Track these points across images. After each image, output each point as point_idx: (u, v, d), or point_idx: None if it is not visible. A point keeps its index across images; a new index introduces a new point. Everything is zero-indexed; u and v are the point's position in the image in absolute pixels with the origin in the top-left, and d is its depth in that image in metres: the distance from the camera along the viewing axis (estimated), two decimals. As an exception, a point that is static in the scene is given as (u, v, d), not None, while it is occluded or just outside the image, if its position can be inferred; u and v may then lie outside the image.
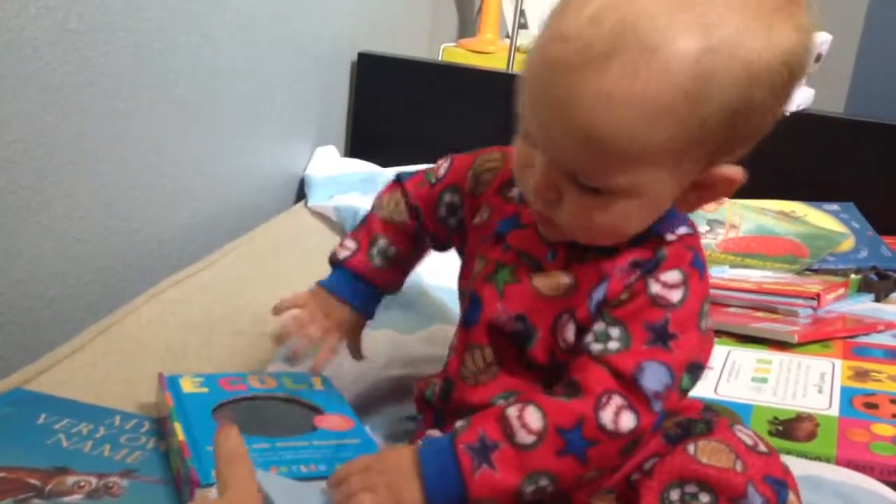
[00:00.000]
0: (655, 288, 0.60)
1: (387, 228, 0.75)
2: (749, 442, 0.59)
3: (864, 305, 1.12)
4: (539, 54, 0.55)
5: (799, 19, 0.55)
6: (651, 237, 0.62)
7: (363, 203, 1.31)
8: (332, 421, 0.72)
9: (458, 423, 0.59)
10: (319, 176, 1.43)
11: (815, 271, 1.25)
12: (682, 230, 0.63)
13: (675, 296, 0.60)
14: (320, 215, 1.35)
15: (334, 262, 0.76)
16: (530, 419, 0.57)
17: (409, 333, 0.90)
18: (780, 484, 0.58)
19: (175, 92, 1.07)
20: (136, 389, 0.79)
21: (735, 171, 0.59)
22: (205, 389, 0.74)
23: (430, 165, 0.76)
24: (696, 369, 0.62)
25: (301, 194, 1.45)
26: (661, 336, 0.59)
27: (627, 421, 0.57)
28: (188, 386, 0.74)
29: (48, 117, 0.87)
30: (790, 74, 0.55)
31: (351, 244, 0.76)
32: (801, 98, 1.48)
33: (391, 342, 0.88)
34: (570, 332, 0.62)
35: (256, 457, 0.66)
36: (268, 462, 0.65)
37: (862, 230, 1.36)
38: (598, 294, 0.61)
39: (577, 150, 0.55)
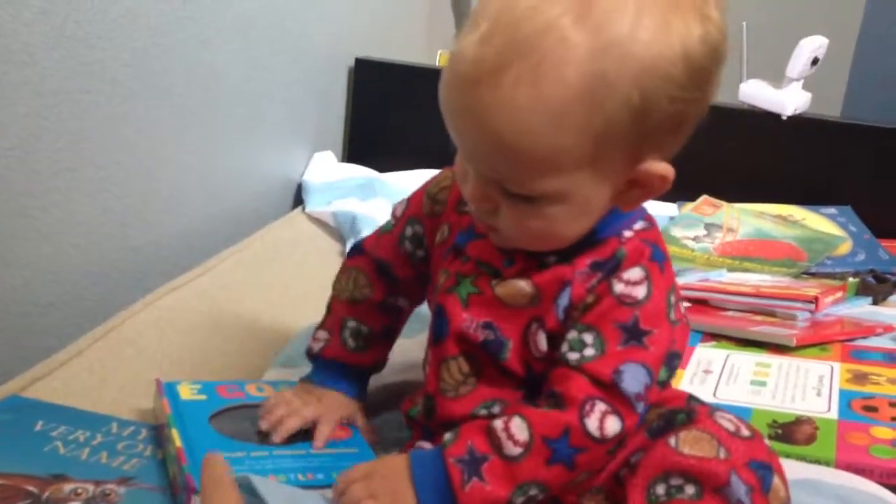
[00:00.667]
0: (619, 287, 0.60)
1: (352, 310, 0.75)
2: (731, 427, 0.59)
3: (862, 309, 1.12)
4: (445, 72, 0.57)
5: (703, 12, 0.55)
6: (608, 237, 0.62)
7: (361, 208, 1.31)
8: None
9: (447, 436, 0.59)
10: (317, 181, 1.42)
11: (813, 275, 1.24)
12: (639, 225, 0.63)
13: (640, 292, 0.60)
14: (318, 221, 1.35)
15: (311, 356, 0.76)
16: (516, 431, 0.58)
17: (409, 337, 0.90)
18: (765, 468, 0.57)
19: (172, 98, 1.07)
20: (133, 396, 0.79)
21: (664, 168, 0.59)
22: (203, 396, 0.74)
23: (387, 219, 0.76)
24: (673, 359, 0.62)
25: (298, 200, 1.44)
26: (634, 334, 0.59)
27: (612, 426, 0.58)
28: (186, 393, 0.74)
29: (45, 123, 0.87)
30: (690, 67, 0.54)
31: (322, 335, 0.75)
32: (799, 102, 1.48)
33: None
34: (541, 341, 0.62)
35: (254, 464, 0.66)
36: (266, 470, 0.65)
37: (859, 233, 1.36)
38: (563, 300, 0.61)
39: (493, 159, 0.56)
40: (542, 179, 0.56)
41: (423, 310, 0.97)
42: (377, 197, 1.39)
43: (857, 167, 1.47)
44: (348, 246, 1.23)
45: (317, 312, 1.01)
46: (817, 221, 1.39)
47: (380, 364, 0.77)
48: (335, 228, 1.32)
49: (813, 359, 0.93)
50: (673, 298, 0.62)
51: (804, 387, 0.86)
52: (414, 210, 0.72)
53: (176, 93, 1.07)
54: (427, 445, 0.66)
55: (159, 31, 1.02)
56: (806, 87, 1.50)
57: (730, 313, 1.07)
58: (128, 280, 1.03)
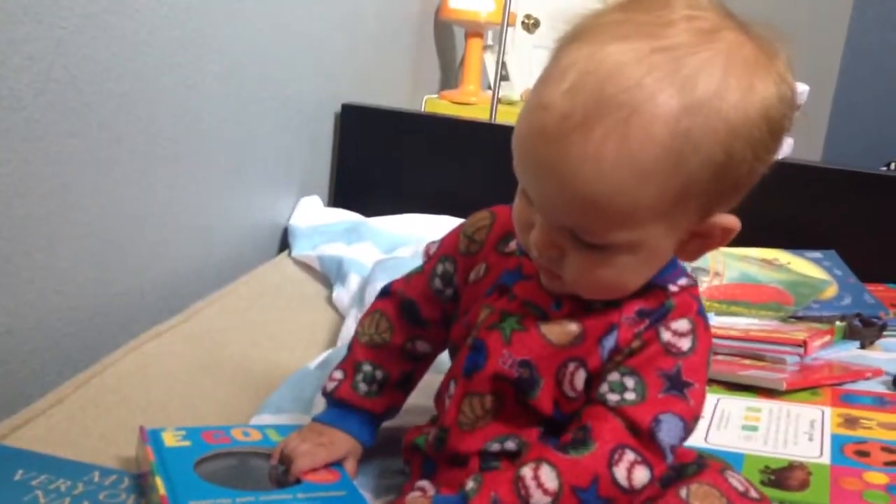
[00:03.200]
0: (666, 336, 0.61)
1: (369, 353, 0.75)
2: (740, 488, 0.59)
3: (850, 353, 1.12)
4: (525, 122, 0.57)
5: (778, 72, 0.57)
6: (654, 288, 0.63)
7: (347, 252, 1.31)
8: (317, 474, 0.70)
9: (469, 485, 0.59)
10: (303, 226, 1.42)
11: (800, 318, 1.25)
12: (684, 281, 0.65)
13: (685, 344, 0.61)
14: (304, 265, 1.34)
15: (325, 395, 0.76)
16: (546, 479, 0.57)
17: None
18: None
19: (159, 143, 1.07)
20: (116, 444, 0.77)
21: (731, 221, 0.61)
22: (187, 443, 0.72)
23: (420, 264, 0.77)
24: (697, 420, 0.63)
25: (285, 244, 1.44)
26: (676, 384, 0.60)
27: (641, 476, 0.58)
28: (170, 440, 0.72)
29: (31, 168, 0.86)
30: (770, 126, 0.57)
31: (338, 374, 0.76)
32: (783, 148, 1.50)
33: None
34: (579, 381, 0.62)
35: None
36: None
37: (844, 277, 1.36)
38: (609, 342, 0.62)
39: (571, 211, 0.57)
40: (618, 231, 0.57)
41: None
42: (364, 241, 1.39)
43: (841, 212, 1.49)
44: (335, 291, 1.22)
45: (303, 357, 1.01)
46: (802, 265, 1.40)
47: (393, 411, 0.77)
48: (321, 273, 1.31)
49: (803, 403, 0.93)
50: (711, 358, 0.63)
51: (796, 431, 0.86)
52: (447, 249, 0.73)
53: (163, 137, 1.07)
54: (427, 485, 0.66)
55: (147, 76, 1.02)
56: (788, 133, 1.52)
57: (719, 357, 1.06)
58: (111, 326, 1.01)
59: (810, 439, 0.84)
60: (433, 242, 0.76)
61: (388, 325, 0.75)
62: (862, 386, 0.98)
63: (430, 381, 0.78)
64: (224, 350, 1.01)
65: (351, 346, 0.77)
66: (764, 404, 0.92)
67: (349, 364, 0.75)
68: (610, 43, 0.55)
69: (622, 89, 0.53)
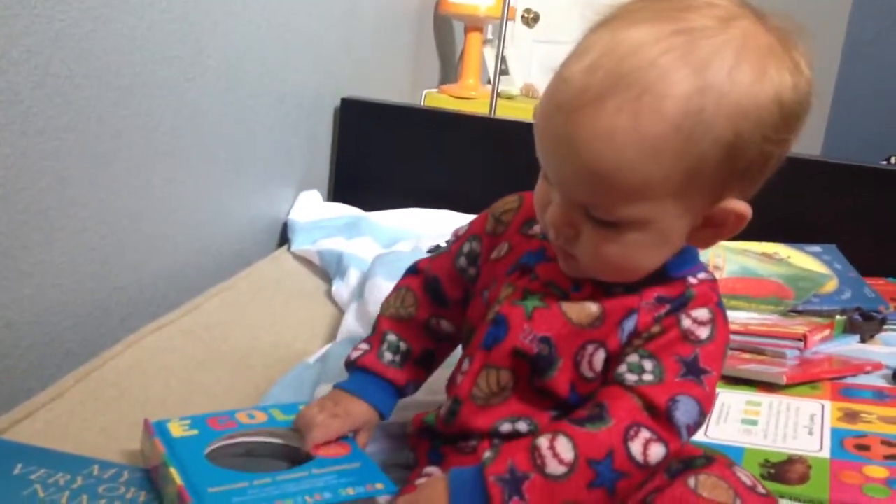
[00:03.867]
0: (687, 323, 0.62)
1: (394, 325, 0.76)
2: (748, 482, 0.59)
3: (850, 346, 1.12)
4: (545, 97, 0.59)
5: (794, 62, 0.59)
6: (676, 278, 0.64)
7: (346, 247, 1.31)
8: (328, 448, 0.71)
9: (486, 454, 0.60)
10: (303, 220, 1.42)
11: (800, 312, 1.25)
12: (703, 275, 0.66)
13: (704, 332, 0.63)
14: (304, 259, 1.34)
15: (348, 364, 0.76)
16: (562, 450, 0.58)
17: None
18: None
19: (158, 137, 1.07)
20: (116, 438, 0.77)
21: (744, 207, 0.62)
22: (194, 431, 0.72)
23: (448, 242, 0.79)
24: (712, 406, 0.65)
25: (284, 239, 1.44)
26: (693, 370, 0.61)
27: (657, 452, 0.59)
28: (177, 430, 0.72)
29: (29, 162, 0.86)
30: (783, 113, 0.58)
31: (363, 346, 0.77)
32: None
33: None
34: (598, 361, 0.64)
35: (259, 493, 0.65)
36: (272, 497, 0.64)
37: (844, 271, 1.36)
38: (629, 325, 0.63)
39: (584, 185, 0.58)
40: (629, 206, 0.58)
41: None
42: (363, 235, 1.39)
43: (841, 206, 1.48)
44: (334, 285, 1.22)
45: (303, 352, 1.01)
46: (802, 260, 1.40)
47: (412, 387, 0.77)
48: (321, 267, 1.31)
49: (803, 397, 0.93)
50: (727, 350, 0.65)
51: (795, 425, 0.86)
52: (476, 229, 0.75)
53: (161, 132, 1.07)
54: (435, 471, 0.67)
55: (145, 70, 1.02)
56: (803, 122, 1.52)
57: (718, 351, 1.06)
58: (111, 320, 1.01)
59: (810, 433, 0.84)
60: (461, 227, 0.78)
61: (414, 300, 0.76)
62: (862, 380, 0.98)
63: (437, 375, 0.78)
64: (223, 344, 1.01)
65: (376, 322, 0.77)
66: (764, 398, 0.92)
67: (375, 336, 0.76)
68: (632, 26, 0.57)
69: (637, 67, 0.55)
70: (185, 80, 1.10)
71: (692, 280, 0.65)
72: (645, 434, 0.59)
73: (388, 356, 0.75)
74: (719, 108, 0.56)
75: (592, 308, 0.64)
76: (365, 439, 0.73)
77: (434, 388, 0.77)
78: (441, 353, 0.78)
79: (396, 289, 0.78)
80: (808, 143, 1.80)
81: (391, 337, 0.75)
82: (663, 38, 0.56)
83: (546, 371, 0.65)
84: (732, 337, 1.07)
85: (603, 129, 0.55)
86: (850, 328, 1.17)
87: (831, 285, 1.32)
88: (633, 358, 0.62)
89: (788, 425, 0.86)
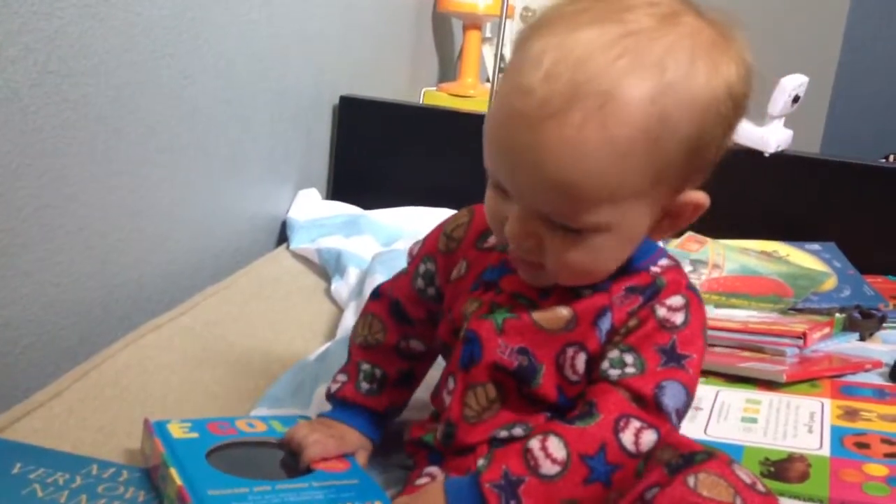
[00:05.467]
0: (662, 312, 0.63)
1: (365, 353, 0.76)
2: (747, 480, 0.59)
3: (850, 344, 1.12)
4: (501, 109, 0.58)
5: (736, 52, 0.60)
6: (641, 269, 0.65)
7: (345, 245, 1.31)
8: (327, 463, 0.70)
9: (480, 462, 0.60)
10: (301, 219, 1.42)
11: (800, 310, 1.24)
12: (665, 262, 0.66)
13: (679, 318, 0.63)
14: (302, 258, 1.34)
15: (329, 396, 0.76)
16: (553, 449, 0.58)
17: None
18: None
19: (156, 135, 1.06)
20: (115, 437, 0.77)
21: (701, 197, 0.62)
22: (195, 434, 0.72)
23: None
24: (695, 388, 0.64)
25: (283, 237, 1.44)
26: (673, 357, 0.62)
27: (648, 439, 0.59)
28: (177, 431, 0.72)
29: (27, 160, 0.86)
30: (735, 103, 0.59)
31: (341, 377, 0.76)
32: (781, 139, 1.49)
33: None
34: (580, 364, 0.63)
35: (258, 499, 0.64)
36: None
37: (843, 269, 1.36)
38: (605, 323, 0.63)
39: (549, 195, 0.57)
40: (595, 212, 0.58)
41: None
42: (362, 234, 1.39)
43: (840, 203, 1.48)
44: (333, 283, 1.22)
45: (302, 350, 1.01)
46: (802, 258, 1.40)
47: (395, 410, 0.77)
48: (320, 265, 1.30)
49: (803, 395, 0.92)
50: (706, 330, 0.65)
51: (795, 423, 0.86)
52: (429, 248, 0.74)
53: (159, 130, 1.07)
54: (436, 471, 0.67)
55: (143, 68, 1.01)
56: (787, 124, 1.52)
57: (718, 349, 1.06)
58: (110, 319, 1.01)
59: (810, 431, 0.84)
60: (416, 243, 0.76)
61: (381, 326, 0.76)
62: (862, 378, 0.98)
63: (431, 374, 0.78)
64: (222, 343, 1.01)
65: (349, 350, 0.78)
66: (763, 396, 0.92)
67: (351, 366, 0.76)
68: (577, 30, 0.56)
69: (595, 75, 0.55)
70: (182, 77, 1.10)
71: (656, 269, 0.65)
72: (635, 423, 0.59)
73: (364, 386, 0.75)
74: (682, 107, 0.56)
75: (563, 312, 0.64)
76: (363, 460, 0.73)
77: (429, 386, 0.77)
78: (419, 371, 0.78)
79: (363, 315, 0.78)
80: (807, 140, 1.80)
81: (365, 366, 0.75)
82: (614, 41, 0.55)
83: (531, 380, 0.64)
84: (732, 335, 1.09)
85: (570, 140, 0.55)
86: (849, 326, 1.17)
87: (830, 283, 1.32)
88: (613, 353, 0.62)
89: (788, 423, 0.86)
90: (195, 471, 0.66)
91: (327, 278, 1.26)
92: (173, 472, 0.66)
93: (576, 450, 0.58)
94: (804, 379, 0.95)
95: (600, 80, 0.54)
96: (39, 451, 0.72)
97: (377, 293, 0.78)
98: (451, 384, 0.67)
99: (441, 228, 0.74)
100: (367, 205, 1.52)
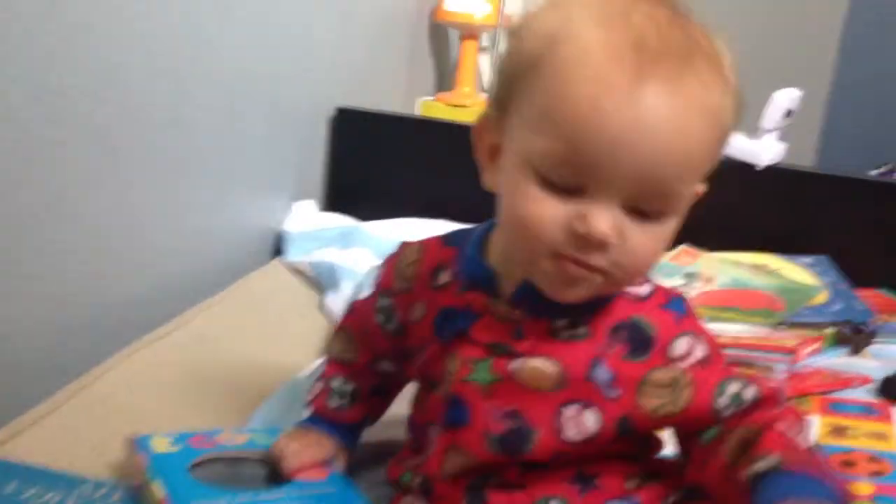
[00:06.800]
0: (685, 363, 0.62)
1: (339, 368, 0.76)
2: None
3: (840, 360, 1.12)
4: (590, 96, 0.53)
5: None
6: (611, 299, 0.62)
7: (340, 258, 1.31)
8: (307, 473, 0.71)
9: (767, 463, 0.57)
10: (296, 231, 1.42)
11: (791, 324, 1.25)
12: (647, 289, 0.64)
13: (700, 352, 0.63)
14: (297, 271, 1.34)
15: (307, 403, 0.77)
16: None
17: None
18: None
19: (151, 149, 1.07)
20: (108, 454, 0.78)
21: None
22: (177, 448, 0.73)
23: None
24: None
25: (278, 249, 1.44)
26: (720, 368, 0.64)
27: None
28: (160, 446, 0.73)
29: (22, 176, 0.86)
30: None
31: (318, 386, 0.77)
32: (773, 152, 1.50)
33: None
34: (589, 422, 0.61)
35: None
36: None
37: (835, 283, 1.37)
38: (601, 374, 0.61)
39: (657, 173, 0.54)
40: (687, 189, 0.57)
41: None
42: (357, 246, 1.39)
43: (832, 217, 1.49)
44: (327, 297, 1.23)
45: (295, 365, 1.01)
46: (794, 271, 1.40)
47: (371, 419, 0.77)
48: (314, 279, 1.31)
49: (791, 412, 0.93)
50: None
51: (783, 441, 0.86)
52: (384, 284, 0.72)
53: (155, 144, 1.08)
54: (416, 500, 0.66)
55: (140, 83, 1.02)
56: (782, 138, 1.53)
57: (709, 365, 1.07)
58: (104, 334, 1.01)
59: (797, 449, 0.84)
60: (379, 268, 0.74)
61: (353, 346, 0.76)
62: (850, 394, 0.98)
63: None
64: (215, 359, 1.01)
65: (326, 360, 0.78)
66: None
67: (323, 379, 0.77)
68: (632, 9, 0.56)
69: (686, 36, 0.55)
70: (178, 91, 1.10)
71: (629, 296, 0.63)
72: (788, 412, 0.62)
73: (335, 402, 0.75)
74: (731, 103, 0.57)
75: (549, 370, 0.61)
76: (341, 465, 0.73)
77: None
78: (394, 387, 0.77)
79: (338, 330, 0.78)
80: (801, 152, 1.81)
81: (335, 383, 0.76)
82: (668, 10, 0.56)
83: (521, 444, 0.62)
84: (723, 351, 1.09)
85: (683, 104, 0.53)
86: (840, 340, 1.18)
87: (822, 297, 1.33)
88: (727, 389, 0.62)
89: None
90: (178, 483, 0.67)
91: (322, 291, 1.27)
92: (155, 485, 0.66)
93: (797, 428, 0.60)
94: (793, 396, 0.96)
95: (692, 43, 0.55)
96: (32, 470, 0.72)
97: (352, 309, 0.77)
98: (431, 434, 0.66)
99: (392, 264, 0.71)
100: (364, 216, 1.52)
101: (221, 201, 1.28)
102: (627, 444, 0.63)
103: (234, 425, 0.86)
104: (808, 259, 1.43)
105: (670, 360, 0.62)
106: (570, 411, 0.61)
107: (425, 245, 0.70)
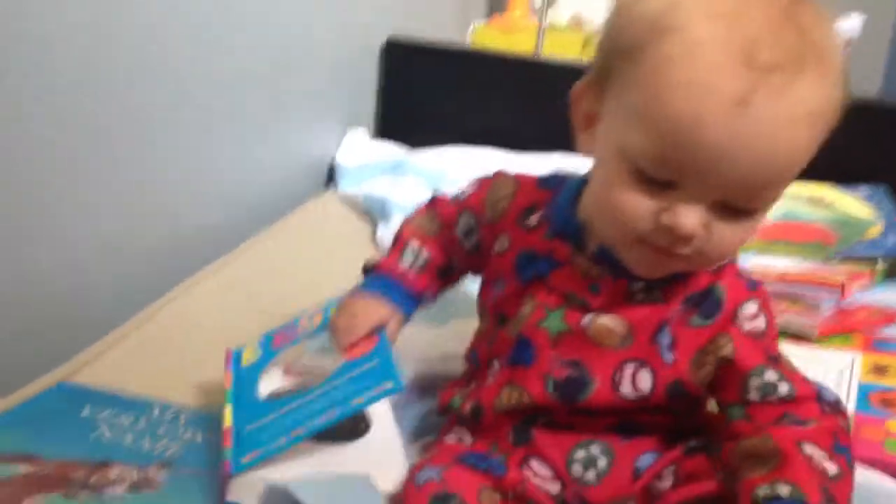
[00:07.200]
0: (747, 326, 0.64)
1: (418, 235, 0.75)
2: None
3: (890, 295, 1.11)
4: (690, 98, 0.53)
5: None
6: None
7: (391, 191, 1.33)
8: (356, 348, 0.69)
9: (771, 489, 0.56)
10: (348, 161, 1.45)
11: (842, 259, 1.24)
12: None
13: (761, 323, 0.64)
14: (350, 202, 1.37)
15: (366, 269, 0.76)
16: (819, 451, 0.58)
17: (442, 324, 0.91)
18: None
19: (202, 81, 1.09)
20: (175, 379, 0.81)
21: None
22: (259, 353, 0.75)
23: (462, 188, 0.77)
24: None
25: (332, 178, 1.47)
26: (776, 361, 0.64)
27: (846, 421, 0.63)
28: (248, 356, 0.75)
29: (66, 115, 0.90)
30: None
31: (384, 254, 0.77)
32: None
33: (405, 340, 0.88)
34: (643, 381, 0.63)
35: (284, 422, 0.66)
36: (290, 426, 0.65)
37: (890, 215, 1.35)
38: (664, 339, 0.63)
39: (758, 176, 0.55)
40: (778, 189, 0.57)
41: (456, 296, 0.98)
42: (408, 176, 1.41)
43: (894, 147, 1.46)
44: (378, 230, 1.26)
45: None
46: (849, 202, 1.38)
47: (430, 295, 0.76)
48: (366, 212, 1.34)
49: (835, 348, 0.94)
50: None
51: (824, 379, 0.86)
52: (473, 205, 0.73)
53: (207, 77, 1.10)
54: (464, 431, 0.69)
55: (185, 13, 1.03)
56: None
57: (755, 300, 1.07)
58: (172, 264, 1.05)
59: (837, 387, 0.85)
60: (471, 184, 0.75)
61: (437, 225, 0.75)
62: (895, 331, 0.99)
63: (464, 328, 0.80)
64: (274, 288, 1.05)
65: (399, 230, 0.77)
66: (796, 350, 0.92)
67: (397, 243, 0.76)
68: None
69: (809, 40, 0.53)
70: (226, 23, 1.11)
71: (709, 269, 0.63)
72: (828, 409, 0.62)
73: (407, 260, 0.74)
74: (833, 106, 0.56)
75: (618, 328, 0.63)
76: (394, 329, 0.71)
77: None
78: (453, 281, 0.77)
79: (425, 209, 0.77)
80: (867, 83, 1.75)
81: (412, 244, 0.74)
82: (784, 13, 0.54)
83: (577, 393, 0.64)
84: (770, 286, 1.09)
85: (789, 115, 0.53)
86: (890, 275, 1.17)
87: (876, 230, 1.31)
88: (765, 376, 0.62)
89: (816, 379, 0.87)
90: (241, 408, 0.69)
91: (374, 224, 1.30)
92: (227, 410, 0.70)
93: (827, 446, 0.58)
94: (837, 333, 0.97)
95: (813, 46, 0.53)
96: (106, 395, 0.77)
97: (435, 202, 0.77)
98: (494, 367, 0.68)
99: (485, 191, 0.72)
100: (414, 144, 1.54)
101: (275, 131, 1.30)
102: (677, 403, 0.65)
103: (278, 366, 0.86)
104: (865, 190, 1.41)
105: (734, 324, 0.63)
106: (629, 369, 0.63)
107: (521, 182, 0.71)
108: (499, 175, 0.74)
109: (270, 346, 0.76)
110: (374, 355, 0.68)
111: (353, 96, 1.56)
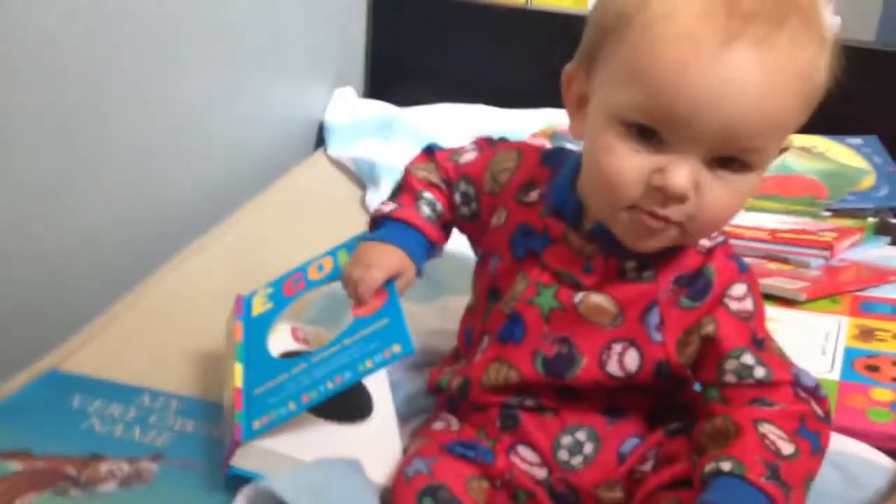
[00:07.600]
0: (734, 305, 0.64)
1: (427, 186, 0.74)
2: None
3: (880, 251, 1.11)
4: (678, 46, 0.54)
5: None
6: (687, 247, 0.64)
7: (380, 153, 1.32)
8: (365, 307, 0.67)
9: (716, 466, 0.58)
10: (337, 121, 1.43)
11: (834, 212, 1.23)
12: (706, 241, 0.65)
13: (749, 304, 0.64)
14: (340, 164, 1.36)
15: (378, 217, 0.74)
16: (776, 432, 0.59)
17: (427, 303, 0.92)
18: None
19: (194, 40, 1.07)
20: (166, 364, 0.82)
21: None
22: (270, 305, 0.74)
23: (461, 145, 0.76)
24: None
25: (321, 139, 1.46)
26: (755, 342, 0.64)
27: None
28: (258, 305, 0.75)
29: (64, 98, 0.89)
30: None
31: (392, 204, 0.74)
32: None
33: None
34: (630, 360, 0.64)
35: (297, 384, 0.64)
36: (300, 391, 0.64)
37: (883, 166, 1.34)
38: (653, 319, 0.64)
39: (744, 130, 0.55)
40: (773, 144, 0.58)
41: (441, 276, 0.98)
42: (397, 136, 1.40)
43: (890, 95, 1.43)
44: (367, 194, 1.25)
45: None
46: (841, 152, 1.37)
47: (438, 252, 0.76)
48: (356, 174, 1.33)
49: (822, 312, 0.94)
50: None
51: (809, 344, 0.88)
52: (473, 172, 0.73)
53: (190, 38, 1.08)
54: (452, 419, 0.69)
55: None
56: (836, 10, 1.45)
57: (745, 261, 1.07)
58: (155, 242, 1.05)
59: (823, 353, 0.86)
60: (472, 145, 0.75)
61: (438, 177, 0.74)
62: (883, 291, 0.98)
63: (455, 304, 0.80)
64: (265, 260, 1.04)
65: (404, 180, 0.75)
66: (783, 314, 0.93)
67: (407, 193, 0.74)
68: None
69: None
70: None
71: (704, 243, 0.65)
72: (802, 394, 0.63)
73: (426, 210, 0.73)
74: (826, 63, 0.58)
75: (609, 307, 0.64)
76: (404, 286, 0.70)
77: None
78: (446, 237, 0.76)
79: (422, 159, 0.76)
80: (862, 28, 1.71)
81: (427, 195, 0.73)
82: None
83: (565, 371, 0.65)
84: (759, 245, 1.09)
85: (771, 66, 0.54)
86: (881, 229, 1.17)
87: (868, 181, 1.30)
88: (742, 360, 0.62)
89: (802, 344, 0.87)
90: (251, 369, 0.68)
91: (363, 186, 1.29)
92: (237, 368, 0.68)
93: (789, 428, 0.60)
94: (825, 295, 0.97)
95: (793, 7, 0.55)
96: (94, 382, 0.78)
97: (432, 152, 0.76)
98: (484, 343, 0.68)
99: (487, 163, 0.72)
100: (404, 101, 1.52)
101: (263, 91, 1.28)
102: (662, 384, 0.66)
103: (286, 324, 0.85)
104: (857, 139, 1.40)
105: (721, 303, 0.63)
106: (617, 347, 0.64)
107: (524, 155, 0.71)
108: (502, 143, 0.74)
109: (282, 294, 0.75)
110: (383, 313, 0.67)
111: (340, 53, 1.54)
